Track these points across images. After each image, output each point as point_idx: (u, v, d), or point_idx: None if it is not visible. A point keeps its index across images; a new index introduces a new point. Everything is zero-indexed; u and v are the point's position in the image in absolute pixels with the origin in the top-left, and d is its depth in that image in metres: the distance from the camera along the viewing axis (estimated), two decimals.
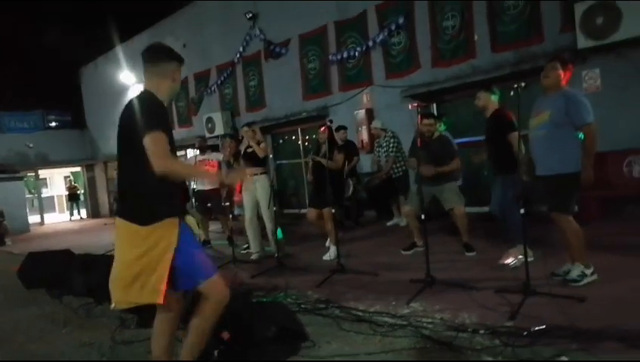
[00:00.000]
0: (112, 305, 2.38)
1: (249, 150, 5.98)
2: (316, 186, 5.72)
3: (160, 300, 2.26)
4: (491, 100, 4.59)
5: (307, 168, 5.87)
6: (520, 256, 4.24)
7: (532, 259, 3.71)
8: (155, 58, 2.53)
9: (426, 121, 5.19)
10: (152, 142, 2.24)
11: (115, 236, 2.41)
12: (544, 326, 2.83)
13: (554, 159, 3.61)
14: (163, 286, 2.26)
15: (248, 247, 6.60)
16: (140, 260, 2.28)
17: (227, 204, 6.69)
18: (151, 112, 2.36)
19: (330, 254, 5.56)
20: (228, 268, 5.65)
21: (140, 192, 2.36)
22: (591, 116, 3.53)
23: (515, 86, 3.51)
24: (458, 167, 5.37)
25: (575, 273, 3.66)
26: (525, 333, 2.79)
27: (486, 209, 7.22)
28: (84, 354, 3.37)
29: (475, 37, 7.52)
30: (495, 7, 7.24)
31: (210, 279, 2.39)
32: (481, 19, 7.42)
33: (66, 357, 3.33)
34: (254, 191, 5.90)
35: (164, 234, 2.31)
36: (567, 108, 3.55)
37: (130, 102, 2.46)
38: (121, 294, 2.33)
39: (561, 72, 3.66)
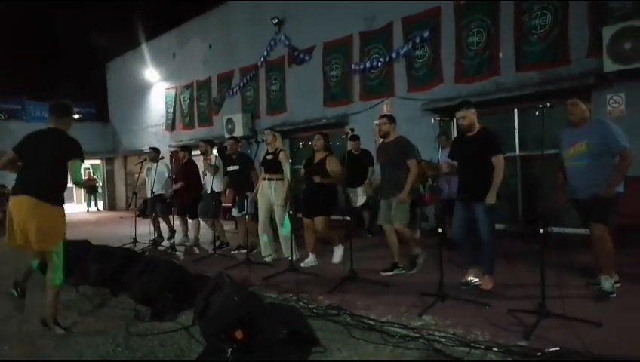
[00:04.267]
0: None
1: (269, 157, 6.03)
2: (307, 195, 5.73)
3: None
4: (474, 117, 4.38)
5: (301, 177, 5.88)
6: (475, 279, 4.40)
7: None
8: (63, 113, 3.99)
9: (378, 122, 5.14)
10: (78, 166, 3.96)
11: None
12: (558, 349, 2.82)
13: (596, 185, 3.83)
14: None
15: (240, 247, 6.74)
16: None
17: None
18: (76, 144, 3.94)
19: (336, 256, 5.62)
20: (241, 269, 5.70)
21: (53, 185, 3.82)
22: (625, 140, 3.80)
23: (541, 106, 3.52)
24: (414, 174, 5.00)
25: (607, 285, 3.87)
26: (539, 354, 2.78)
27: (501, 226, 7.24)
28: (98, 342, 3.43)
29: (500, 54, 7.51)
30: (522, 26, 7.22)
31: None
32: (508, 37, 7.41)
33: (81, 345, 3.39)
34: (270, 195, 5.95)
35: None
36: (603, 135, 3.82)
37: (54, 132, 3.89)
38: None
39: (584, 107, 3.98)
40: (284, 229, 5.86)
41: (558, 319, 3.33)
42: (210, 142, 7.46)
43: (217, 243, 7.03)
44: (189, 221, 7.66)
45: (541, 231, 3.41)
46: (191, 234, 7.60)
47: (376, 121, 5.10)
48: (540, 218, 3.62)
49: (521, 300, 3.82)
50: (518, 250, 5.99)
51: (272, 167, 5.94)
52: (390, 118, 5.15)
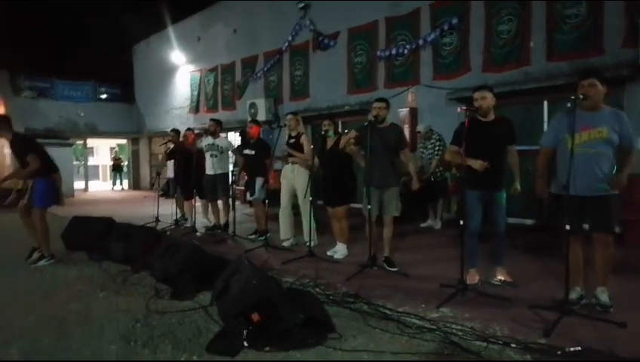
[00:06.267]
0: None
1: (291, 140, 6.02)
2: (327, 183, 5.64)
3: None
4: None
5: (318, 163, 5.78)
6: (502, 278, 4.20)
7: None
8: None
9: (376, 104, 4.92)
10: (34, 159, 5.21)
11: None
12: (579, 348, 2.75)
13: (604, 179, 3.46)
14: None
15: (254, 233, 6.77)
16: None
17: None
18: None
19: (339, 252, 5.51)
20: (260, 252, 5.75)
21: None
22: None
23: (573, 97, 3.39)
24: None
25: (606, 298, 3.53)
26: (559, 352, 2.72)
27: (528, 222, 7.10)
28: (119, 318, 3.50)
29: (531, 44, 7.29)
30: (555, 15, 6.98)
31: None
32: (539, 26, 7.17)
33: (102, 320, 3.47)
34: (292, 179, 5.95)
35: None
36: (621, 126, 3.47)
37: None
38: None
39: (602, 89, 3.50)
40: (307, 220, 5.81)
41: (581, 318, 3.26)
42: (219, 123, 7.46)
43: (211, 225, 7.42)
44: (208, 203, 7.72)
45: (567, 227, 3.31)
46: (212, 216, 7.65)
47: (375, 104, 4.93)
48: (562, 212, 3.44)
49: (544, 297, 3.74)
50: (542, 244, 5.87)
51: (294, 150, 5.95)
52: (388, 103, 5.01)
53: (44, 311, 3.74)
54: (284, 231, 6.14)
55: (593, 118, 3.50)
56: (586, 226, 3.60)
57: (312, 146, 5.78)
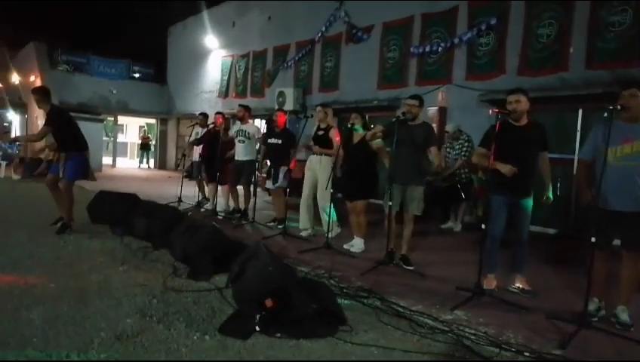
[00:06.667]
0: None
1: (320, 133, 6.00)
2: (349, 177, 5.61)
3: None
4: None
5: (339, 156, 5.75)
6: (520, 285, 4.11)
7: None
8: None
9: (409, 101, 4.86)
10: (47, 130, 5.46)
11: None
12: None
13: None
14: None
15: (273, 221, 6.79)
16: None
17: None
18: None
19: (355, 246, 5.49)
20: (277, 240, 5.78)
21: None
22: None
23: (611, 108, 3.27)
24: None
25: (626, 317, 3.41)
26: None
27: (551, 231, 6.94)
28: (136, 293, 3.58)
29: (571, 49, 7.08)
30: (598, 21, 6.75)
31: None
32: (580, 32, 6.95)
33: (120, 293, 3.56)
34: (317, 170, 5.95)
35: None
36: None
37: None
38: None
39: None
40: (327, 214, 5.81)
41: (600, 332, 3.18)
42: (248, 108, 7.48)
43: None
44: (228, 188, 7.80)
45: (593, 239, 3.22)
46: (232, 201, 7.72)
47: (408, 101, 4.88)
48: (591, 224, 3.33)
49: (562, 308, 3.67)
50: (566, 255, 5.74)
51: (322, 142, 5.93)
52: (422, 101, 4.96)
53: (66, 279, 3.85)
54: (304, 222, 6.16)
55: (635, 130, 3.36)
56: (615, 242, 3.48)
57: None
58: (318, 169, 5.94)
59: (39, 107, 5.70)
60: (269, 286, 3.00)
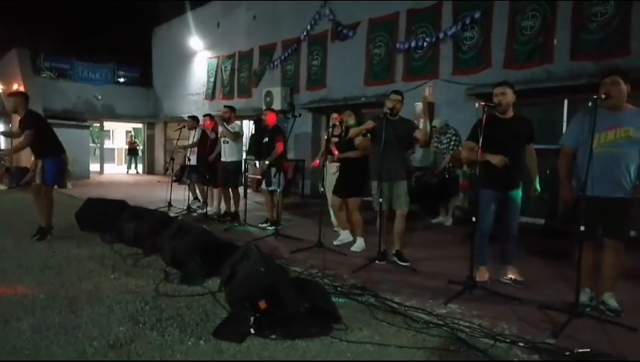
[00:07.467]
0: None
1: (334, 139, 5.90)
2: (341, 174, 5.62)
3: None
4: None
5: (326, 151, 5.74)
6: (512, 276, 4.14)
7: None
8: None
9: (394, 96, 4.88)
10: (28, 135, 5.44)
11: None
12: (588, 350, 2.71)
13: (626, 181, 3.36)
14: None
15: (265, 222, 6.78)
16: None
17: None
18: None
19: (357, 246, 5.47)
20: (269, 241, 5.76)
21: None
22: None
23: (595, 97, 3.30)
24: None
25: (614, 302, 3.46)
26: (567, 353, 2.68)
27: (540, 221, 7.00)
28: (128, 299, 3.54)
29: (555, 41, 7.14)
30: (581, 13, 6.81)
31: None
32: (564, 24, 7.02)
33: (111, 301, 3.52)
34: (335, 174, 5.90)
35: None
36: None
37: None
38: None
39: (624, 87, 3.39)
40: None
41: (591, 320, 3.22)
42: (233, 109, 7.44)
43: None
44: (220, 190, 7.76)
45: (581, 228, 3.25)
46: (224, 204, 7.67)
47: (392, 96, 4.89)
48: (579, 215, 3.36)
49: (554, 298, 3.70)
50: (555, 246, 5.80)
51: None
52: (403, 96, 4.98)
53: (56, 288, 3.80)
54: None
55: (618, 117, 3.40)
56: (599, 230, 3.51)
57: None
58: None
59: (16, 112, 5.68)
60: (260, 286, 2.98)
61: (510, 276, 4.16)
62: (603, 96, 3.32)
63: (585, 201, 3.24)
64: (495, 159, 3.90)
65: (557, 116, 7.27)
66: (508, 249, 4.20)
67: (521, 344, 2.83)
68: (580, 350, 2.72)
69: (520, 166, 4.07)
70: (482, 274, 4.14)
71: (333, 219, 6.25)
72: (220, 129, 7.21)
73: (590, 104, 3.31)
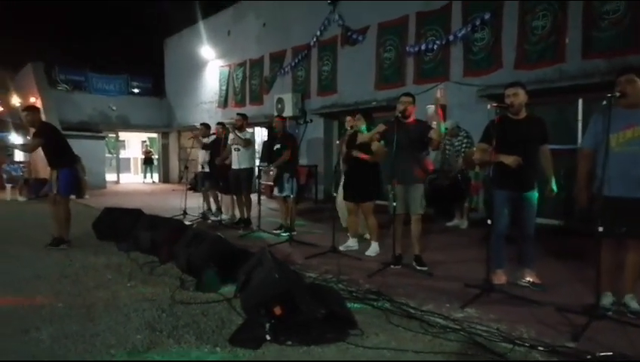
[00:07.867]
0: None
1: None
2: (354, 178, 5.57)
3: None
4: None
5: (340, 156, 5.73)
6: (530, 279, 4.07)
7: None
8: None
9: (404, 99, 4.85)
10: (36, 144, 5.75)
11: None
12: (611, 353, 2.65)
13: None
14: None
15: (279, 228, 6.81)
16: None
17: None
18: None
19: (372, 250, 5.45)
20: (283, 247, 5.77)
21: None
22: None
23: (609, 95, 3.26)
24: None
25: (635, 304, 3.39)
26: (589, 357, 2.63)
27: (556, 222, 6.90)
28: (145, 307, 3.57)
29: (567, 40, 7.06)
30: (592, 11, 6.73)
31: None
32: (575, 22, 6.93)
33: (128, 309, 3.55)
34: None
35: None
36: None
37: None
38: None
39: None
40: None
41: (611, 322, 3.15)
42: (245, 117, 7.48)
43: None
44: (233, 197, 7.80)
45: (600, 229, 3.19)
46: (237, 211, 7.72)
47: (403, 99, 4.88)
48: (596, 214, 3.29)
49: (572, 300, 3.63)
50: (572, 247, 5.70)
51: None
52: (414, 98, 4.97)
53: (73, 297, 3.85)
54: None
55: (635, 115, 3.34)
56: (622, 230, 3.43)
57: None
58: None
59: (31, 126, 5.93)
60: (275, 292, 2.99)
61: (528, 279, 4.10)
62: (618, 94, 3.27)
63: (601, 201, 3.18)
64: (508, 160, 3.86)
65: (571, 115, 7.17)
66: (525, 251, 4.14)
67: (541, 348, 2.79)
68: (602, 353, 2.66)
69: (534, 167, 4.02)
70: (499, 277, 4.09)
71: (342, 221, 6.28)
72: (231, 136, 7.26)
73: (605, 103, 3.26)
